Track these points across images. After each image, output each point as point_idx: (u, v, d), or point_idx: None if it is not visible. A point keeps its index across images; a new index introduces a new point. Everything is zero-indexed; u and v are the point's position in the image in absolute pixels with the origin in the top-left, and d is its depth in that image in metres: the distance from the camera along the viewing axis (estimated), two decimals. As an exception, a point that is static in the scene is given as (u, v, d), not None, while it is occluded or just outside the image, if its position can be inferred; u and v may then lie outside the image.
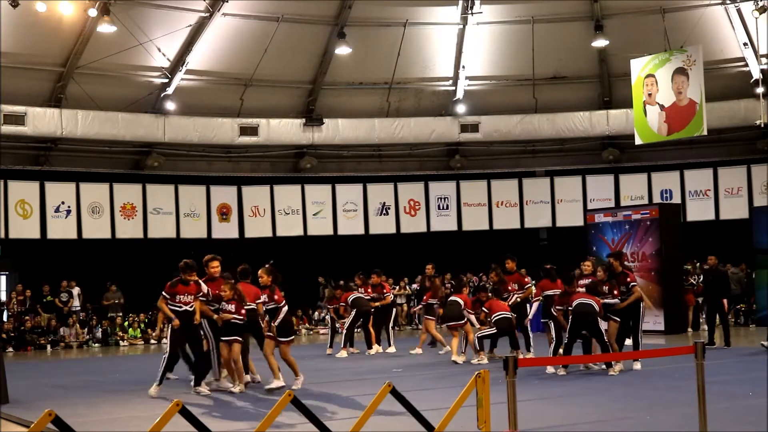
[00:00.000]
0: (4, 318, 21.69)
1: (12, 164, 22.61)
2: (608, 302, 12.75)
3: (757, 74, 23.69)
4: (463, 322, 14.64)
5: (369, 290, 17.19)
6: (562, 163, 26.56)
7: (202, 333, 11.62)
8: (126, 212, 23.93)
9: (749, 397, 9.62)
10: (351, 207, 25.89)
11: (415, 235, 25.92)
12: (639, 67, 22.68)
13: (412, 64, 24.78)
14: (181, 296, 11.33)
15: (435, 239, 26.05)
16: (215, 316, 11.42)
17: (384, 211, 26.08)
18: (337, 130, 25.01)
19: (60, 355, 20.30)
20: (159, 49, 22.42)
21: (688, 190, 25.37)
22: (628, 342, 13.56)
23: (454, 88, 25.49)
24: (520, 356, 14.02)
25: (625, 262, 14.84)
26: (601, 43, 23.79)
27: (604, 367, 12.49)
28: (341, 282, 19.02)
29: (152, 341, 21.87)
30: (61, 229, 23.20)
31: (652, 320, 19.59)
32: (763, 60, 23.45)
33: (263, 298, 11.42)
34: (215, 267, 11.78)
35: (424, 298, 17.03)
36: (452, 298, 15.00)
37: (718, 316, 16.77)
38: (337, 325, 18.18)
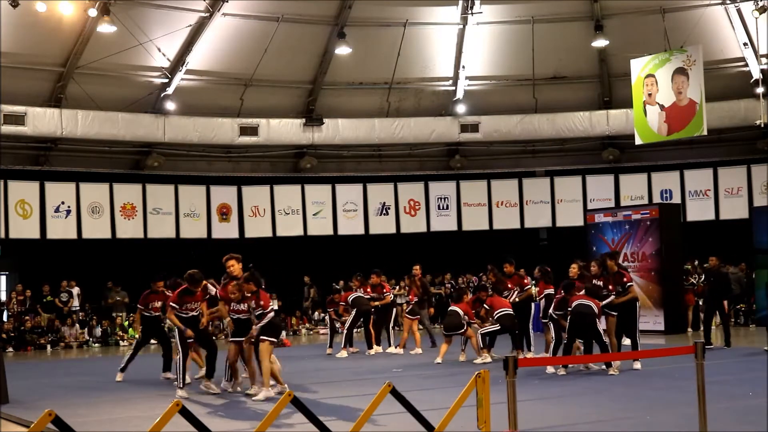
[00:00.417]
0: (4, 318, 21.70)
1: (12, 164, 22.61)
2: (605, 301, 12.79)
3: (757, 74, 23.68)
4: (463, 330, 14.72)
5: (368, 290, 17.21)
6: (562, 163, 26.56)
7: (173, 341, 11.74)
8: (126, 212, 23.93)
9: (749, 397, 9.63)
10: (351, 207, 25.89)
11: (415, 235, 25.92)
12: (639, 67, 22.68)
13: (412, 64, 24.78)
14: (188, 304, 11.46)
15: (435, 239, 26.06)
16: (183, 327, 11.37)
17: (384, 211, 26.08)
18: (337, 130, 25.01)
19: (60, 355, 20.31)
20: (159, 49, 22.42)
21: (688, 190, 25.36)
22: (626, 342, 13.58)
23: (454, 88, 25.49)
24: (521, 356, 14.06)
25: (621, 263, 14.87)
26: (601, 43, 23.78)
27: (603, 367, 12.50)
28: (341, 283, 19.04)
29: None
30: (61, 229, 23.19)
31: (652, 320, 19.61)
32: (763, 60, 23.44)
33: (243, 306, 11.13)
34: (230, 267, 11.58)
35: (410, 297, 17.13)
36: (452, 308, 15.02)
37: (719, 317, 16.78)
38: (337, 325, 18.19)
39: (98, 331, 22.39)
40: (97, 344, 21.94)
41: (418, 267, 17.58)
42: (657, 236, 20.03)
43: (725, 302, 16.62)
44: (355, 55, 23.70)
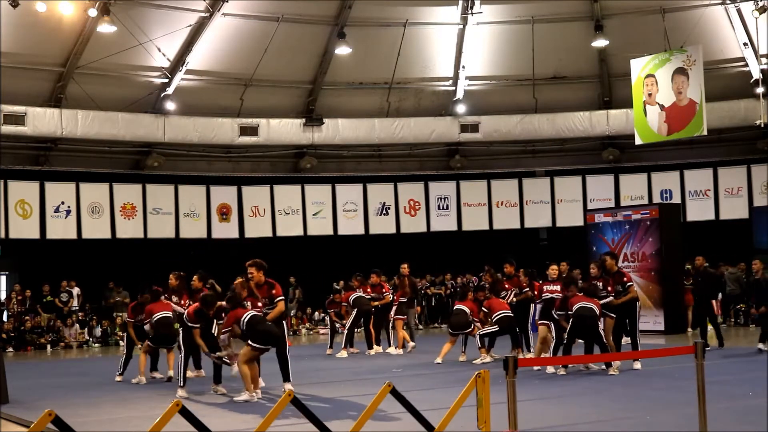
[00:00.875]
0: (4, 318, 21.70)
1: (12, 164, 22.61)
2: (603, 301, 12.80)
3: (757, 74, 23.68)
4: (470, 330, 14.72)
5: (369, 290, 17.22)
6: (562, 163, 26.56)
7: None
8: (126, 212, 23.93)
9: (749, 397, 9.62)
10: (351, 207, 25.89)
11: (415, 235, 25.92)
12: (639, 67, 22.68)
13: (412, 64, 24.78)
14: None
15: (435, 239, 26.06)
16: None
17: (384, 211, 26.08)
18: (337, 130, 25.01)
19: (60, 355, 20.31)
20: (159, 49, 22.42)
21: (688, 190, 25.36)
22: (626, 341, 13.57)
23: (454, 88, 25.49)
24: (521, 356, 14.06)
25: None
26: (601, 43, 23.79)
27: (603, 367, 12.50)
28: (341, 283, 19.01)
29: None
30: (61, 229, 23.19)
31: (652, 320, 19.61)
32: (763, 60, 23.44)
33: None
34: (250, 274, 11.29)
35: (396, 297, 17.12)
36: (458, 306, 15.03)
37: (708, 318, 16.52)
38: (337, 325, 18.19)
39: (98, 331, 22.39)
40: (97, 344, 21.95)
41: (406, 265, 17.60)
42: (657, 236, 20.03)
43: (714, 302, 16.41)
44: (355, 55, 23.70)
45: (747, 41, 23.33)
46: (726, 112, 24.01)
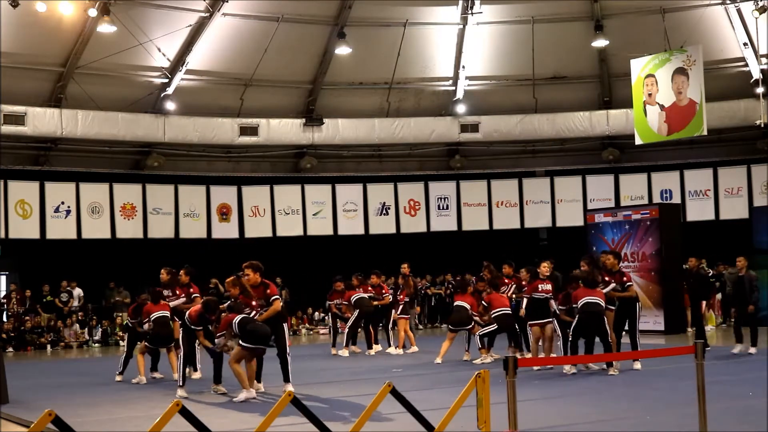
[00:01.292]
0: (4, 318, 21.69)
1: (12, 164, 22.62)
2: (606, 289, 12.77)
3: (757, 74, 23.68)
4: (471, 326, 14.67)
5: (369, 290, 17.23)
6: (562, 163, 26.55)
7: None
8: (126, 212, 23.92)
9: (749, 397, 9.62)
10: (351, 207, 25.89)
11: (415, 235, 25.92)
12: (639, 67, 22.67)
13: (412, 64, 24.78)
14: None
15: (435, 239, 26.06)
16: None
17: (384, 211, 26.08)
18: (337, 130, 25.01)
19: (60, 355, 20.31)
20: (159, 49, 22.42)
21: (688, 190, 25.36)
22: (624, 340, 13.53)
23: (454, 88, 25.49)
24: (519, 356, 14.04)
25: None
26: (601, 43, 23.79)
27: (604, 366, 12.49)
28: (339, 276, 18.86)
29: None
30: (61, 229, 23.19)
31: (652, 320, 19.61)
32: (763, 60, 23.44)
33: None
34: (246, 275, 11.29)
35: (401, 296, 17.13)
36: (458, 303, 14.85)
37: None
38: (338, 325, 18.17)
39: (98, 331, 22.38)
40: (97, 344, 21.95)
41: (406, 265, 17.62)
42: (657, 236, 20.03)
43: (703, 303, 16.29)
44: (355, 55, 23.70)
45: (747, 41, 23.33)
46: (726, 112, 24.00)
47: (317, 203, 25.66)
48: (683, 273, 17.65)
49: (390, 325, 17.66)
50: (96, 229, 23.54)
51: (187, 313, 11.92)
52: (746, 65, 24.06)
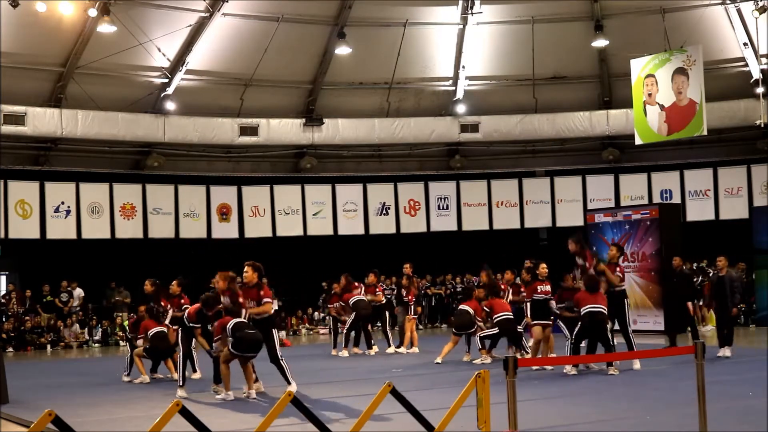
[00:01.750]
0: (3, 318, 21.70)
1: (12, 164, 22.61)
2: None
3: (757, 74, 23.68)
4: (473, 330, 14.73)
5: (369, 290, 17.26)
6: (562, 163, 26.55)
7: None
8: (126, 212, 23.92)
9: (749, 397, 9.62)
10: (351, 207, 25.88)
11: (415, 235, 25.91)
12: (639, 67, 22.67)
13: (412, 64, 24.78)
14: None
15: (435, 239, 26.05)
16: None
17: (384, 211, 26.08)
18: (337, 130, 25.01)
19: (60, 355, 20.31)
20: (159, 49, 22.41)
21: (688, 190, 25.35)
22: (620, 340, 13.49)
23: (454, 88, 25.49)
24: (518, 356, 14.05)
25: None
26: (601, 43, 23.78)
27: (604, 366, 12.50)
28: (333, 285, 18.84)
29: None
30: (61, 229, 23.18)
31: (652, 320, 19.62)
32: (763, 60, 23.43)
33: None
34: (246, 272, 11.40)
35: (409, 297, 17.14)
36: (462, 307, 15.02)
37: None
38: (338, 326, 18.16)
39: (98, 331, 22.37)
40: (97, 344, 21.95)
41: (408, 265, 17.60)
42: (657, 236, 20.03)
43: (689, 304, 15.86)
44: (355, 55, 23.70)
45: (747, 41, 23.32)
46: (726, 112, 24.00)
47: (317, 203, 25.65)
48: (670, 273, 17.32)
49: (389, 325, 17.63)
50: (96, 229, 23.54)
51: (186, 311, 11.93)
52: (746, 65, 24.05)
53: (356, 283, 17.27)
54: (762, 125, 22.45)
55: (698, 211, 25.11)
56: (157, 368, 13.65)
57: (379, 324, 18.07)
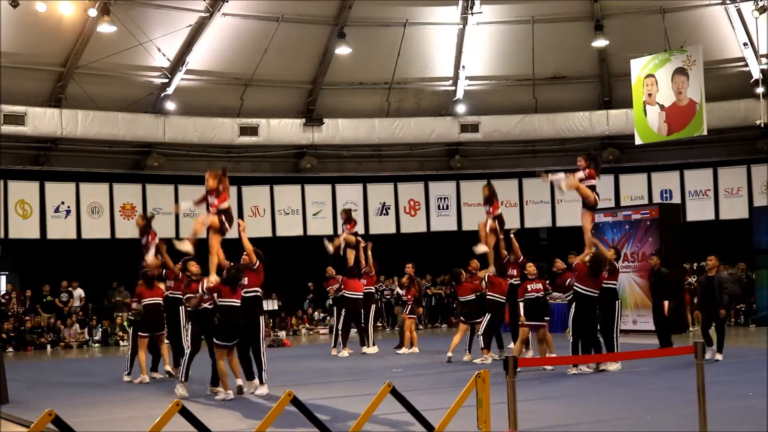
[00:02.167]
0: (3, 318, 21.69)
1: (12, 164, 22.62)
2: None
3: (757, 74, 23.67)
4: (480, 320, 14.76)
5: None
6: (562, 163, 26.42)
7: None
8: (126, 212, 23.92)
9: (749, 397, 9.62)
10: (351, 207, 25.79)
11: (415, 235, 25.91)
12: (639, 67, 22.67)
13: (412, 64, 24.78)
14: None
15: (435, 239, 26.04)
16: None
17: (384, 211, 26.08)
18: (337, 130, 25.01)
19: (60, 355, 20.31)
20: (159, 49, 22.41)
21: (688, 190, 25.34)
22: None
23: (454, 88, 25.49)
24: (489, 356, 14.18)
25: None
26: (601, 43, 23.78)
27: (601, 368, 12.53)
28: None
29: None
30: (61, 229, 23.19)
31: (652, 320, 19.56)
32: (763, 60, 23.43)
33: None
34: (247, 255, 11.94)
35: (408, 297, 17.14)
36: (463, 298, 15.23)
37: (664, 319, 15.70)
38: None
39: (98, 331, 22.37)
40: (97, 344, 21.95)
41: (411, 265, 17.61)
42: (657, 236, 20.02)
43: (666, 303, 15.55)
44: (355, 55, 23.70)
45: (747, 41, 23.31)
46: (726, 112, 23.99)
47: (317, 203, 25.65)
48: (649, 273, 16.99)
49: (370, 322, 17.45)
50: (96, 229, 23.55)
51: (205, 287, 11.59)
52: (746, 65, 24.04)
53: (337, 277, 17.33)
54: (762, 125, 22.45)
55: (698, 211, 25.10)
56: (158, 367, 13.64)
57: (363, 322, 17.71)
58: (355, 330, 17.31)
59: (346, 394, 10.94)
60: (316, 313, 25.10)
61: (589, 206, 13.19)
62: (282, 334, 22.11)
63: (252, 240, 25.30)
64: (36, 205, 22.90)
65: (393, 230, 25.97)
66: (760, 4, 20.84)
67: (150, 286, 13.34)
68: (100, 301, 23.54)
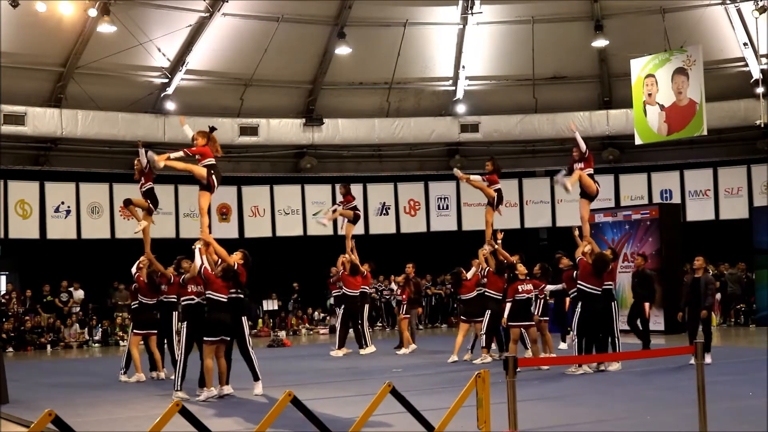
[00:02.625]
0: (3, 318, 21.69)
1: (12, 164, 22.62)
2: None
3: (757, 74, 23.67)
4: (481, 319, 14.75)
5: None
6: (562, 163, 26.37)
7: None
8: (126, 212, 23.86)
9: (749, 397, 9.63)
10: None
11: (415, 235, 25.91)
12: (639, 67, 22.68)
13: (412, 64, 24.77)
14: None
15: (435, 239, 26.04)
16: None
17: (384, 211, 26.07)
18: (337, 130, 25.01)
19: (60, 355, 20.31)
20: (159, 49, 22.41)
21: (688, 190, 25.34)
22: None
23: (454, 88, 25.49)
24: (487, 356, 14.18)
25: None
26: (601, 43, 23.78)
27: (601, 368, 12.53)
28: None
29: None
30: (61, 229, 23.18)
31: (652, 320, 19.47)
32: (763, 60, 23.42)
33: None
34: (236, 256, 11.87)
35: (404, 296, 17.14)
36: (463, 297, 15.32)
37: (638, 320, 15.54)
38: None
39: (98, 331, 22.36)
40: (97, 344, 21.94)
41: (411, 266, 17.61)
42: (657, 236, 20.03)
43: (647, 305, 15.40)
44: (355, 55, 23.70)
45: (747, 41, 23.31)
46: (726, 112, 23.99)
47: (317, 203, 25.64)
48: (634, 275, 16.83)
49: (365, 322, 17.44)
50: (96, 229, 23.54)
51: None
52: (746, 65, 24.04)
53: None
54: (762, 125, 22.45)
55: (698, 211, 25.10)
56: (156, 367, 13.64)
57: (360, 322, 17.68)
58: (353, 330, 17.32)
59: (346, 394, 10.95)
60: (316, 313, 25.10)
61: (590, 196, 13.18)
62: (282, 334, 22.12)
63: (252, 240, 25.48)
64: (36, 205, 22.90)
65: (393, 230, 25.97)
66: (760, 4, 20.84)
67: (151, 287, 13.38)
68: (100, 301, 23.52)
